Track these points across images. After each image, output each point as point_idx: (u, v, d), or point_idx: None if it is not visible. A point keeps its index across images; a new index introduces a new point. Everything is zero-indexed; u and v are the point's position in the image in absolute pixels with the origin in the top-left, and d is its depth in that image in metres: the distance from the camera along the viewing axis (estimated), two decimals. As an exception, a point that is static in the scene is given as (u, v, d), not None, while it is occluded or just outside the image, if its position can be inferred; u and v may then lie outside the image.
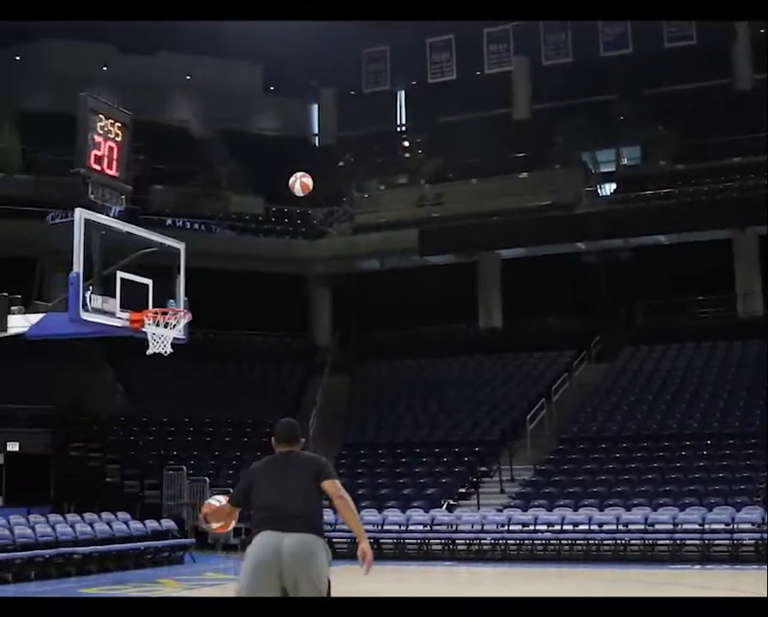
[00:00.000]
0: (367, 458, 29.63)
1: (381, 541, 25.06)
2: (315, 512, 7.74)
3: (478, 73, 44.14)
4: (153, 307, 11.26)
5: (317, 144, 49.21)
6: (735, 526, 22.69)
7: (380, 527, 25.34)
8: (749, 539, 22.50)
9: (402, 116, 49.50)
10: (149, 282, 11.29)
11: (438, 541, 24.94)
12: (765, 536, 22.24)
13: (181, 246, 11.84)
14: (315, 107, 49.45)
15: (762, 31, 41.54)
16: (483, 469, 28.23)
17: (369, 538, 23.46)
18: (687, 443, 26.95)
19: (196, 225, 38.79)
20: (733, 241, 35.77)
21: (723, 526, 22.85)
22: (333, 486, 7.72)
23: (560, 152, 41.67)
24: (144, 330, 11.11)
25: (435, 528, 25.08)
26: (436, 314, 37.12)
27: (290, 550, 7.48)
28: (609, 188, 40.68)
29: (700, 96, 41.08)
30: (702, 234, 35.09)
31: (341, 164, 45.94)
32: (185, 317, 11.45)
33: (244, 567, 7.52)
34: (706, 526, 22.87)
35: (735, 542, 22.58)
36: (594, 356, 34.34)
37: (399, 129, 49.41)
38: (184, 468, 28.33)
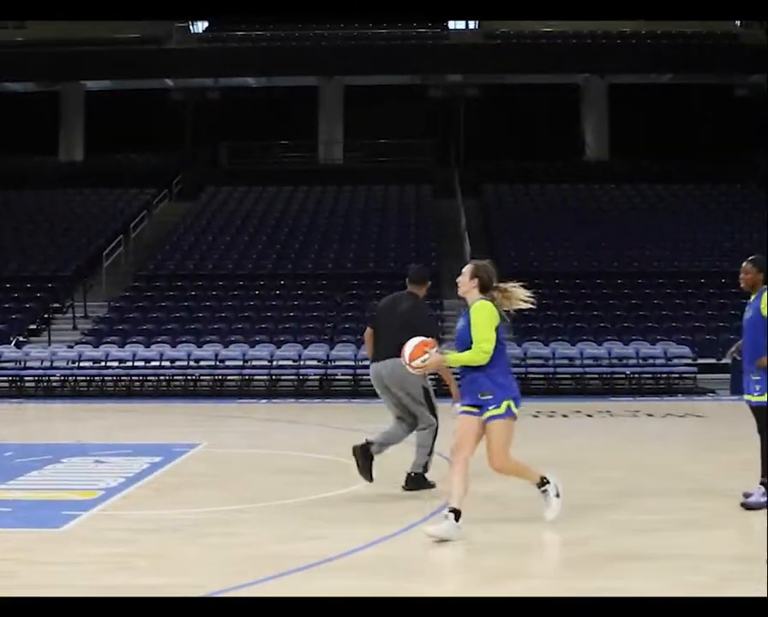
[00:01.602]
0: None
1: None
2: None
3: None
4: None
5: None
6: (302, 362, 23.44)
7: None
8: (314, 375, 23.38)
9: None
10: None
11: (5, 378, 24.03)
12: (328, 372, 23.25)
13: None
14: None
15: None
16: (56, 305, 27.42)
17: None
18: (262, 283, 27.47)
19: None
20: (319, 88, 36.40)
21: (290, 362, 23.55)
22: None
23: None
24: None
25: (1, 365, 24.12)
26: (15, 145, 35.26)
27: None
28: (201, 26, 40.00)
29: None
30: (289, 79, 35.47)
31: None
32: None
33: None
34: (275, 362, 23.47)
35: (301, 377, 23.35)
36: (175, 194, 34.09)
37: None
38: None
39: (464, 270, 7.86)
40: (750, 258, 8.56)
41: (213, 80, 35.73)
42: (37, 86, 36.21)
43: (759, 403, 8.34)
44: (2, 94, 35.81)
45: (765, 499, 8.33)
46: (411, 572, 6.65)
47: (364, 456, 9.39)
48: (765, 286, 8.44)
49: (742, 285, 8.52)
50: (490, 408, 7.63)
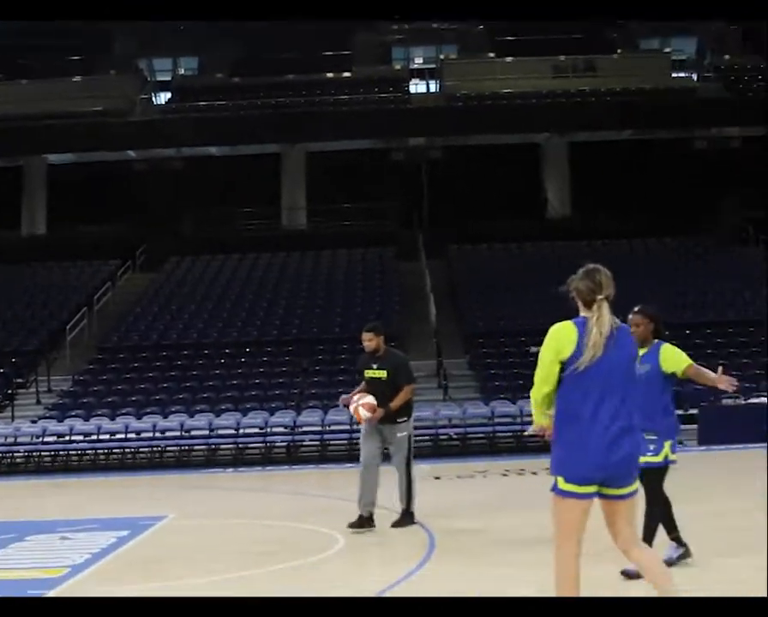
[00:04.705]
0: None
1: None
2: None
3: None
4: None
5: None
6: (269, 429, 23.24)
7: None
8: (281, 441, 23.20)
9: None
10: None
11: (-32, 455, 23.68)
12: (295, 438, 23.07)
13: None
14: None
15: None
16: (19, 380, 27.11)
17: None
18: (227, 351, 27.34)
19: None
20: (282, 156, 36.55)
21: (257, 430, 23.34)
22: None
23: (116, 58, 40.61)
24: None
25: (-36, 441, 23.77)
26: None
27: None
28: (164, 98, 40.26)
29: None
30: (253, 147, 35.58)
31: None
32: None
33: None
34: (241, 430, 23.26)
35: (268, 444, 23.15)
36: (139, 265, 34.00)
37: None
38: None
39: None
40: (638, 308, 8.09)
41: (175, 151, 35.76)
42: (0, 160, 36.09)
43: (650, 464, 7.71)
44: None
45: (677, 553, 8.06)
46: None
47: None
48: (658, 340, 8.05)
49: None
50: None
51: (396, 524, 11.17)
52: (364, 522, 10.92)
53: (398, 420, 11.10)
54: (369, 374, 11.19)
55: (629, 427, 5.59)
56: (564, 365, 5.57)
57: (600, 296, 5.64)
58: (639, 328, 7.90)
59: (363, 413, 10.83)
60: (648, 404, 7.59)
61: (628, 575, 7.82)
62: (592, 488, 5.51)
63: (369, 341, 11.21)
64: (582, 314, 5.69)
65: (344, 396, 11.59)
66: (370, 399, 10.83)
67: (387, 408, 10.89)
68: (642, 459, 7.69)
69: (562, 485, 5.49)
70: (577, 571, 5.55)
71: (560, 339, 5.60)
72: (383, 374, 11.12)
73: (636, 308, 8.08)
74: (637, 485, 5.69)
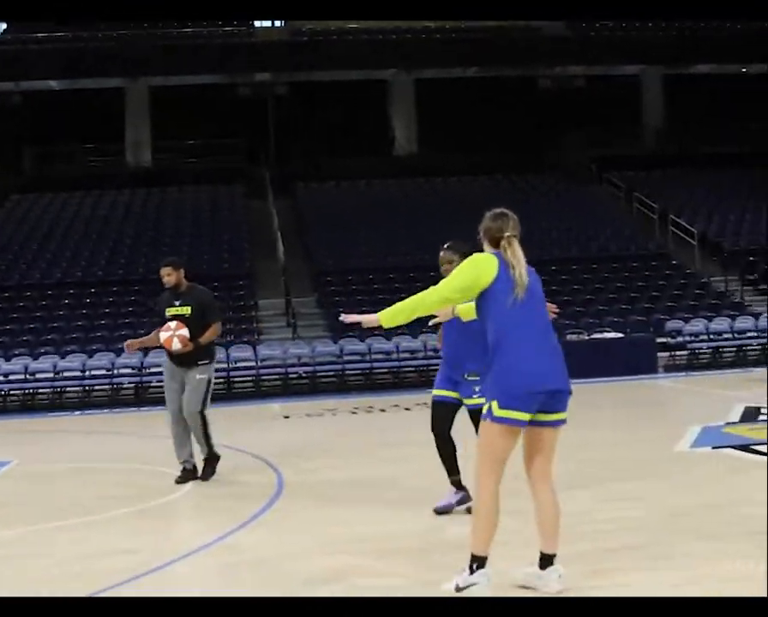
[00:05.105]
0: None
1: None
2: None
3: None
4: None
5: None
6: (116, 371, 22.89)
7: None
8: (129, 383, 22.90)
9: None
10: None
11: None
12: (143, 379, 22.78)
13: None
14: None
15: None
16: None
17: None
18: (72, 291, 26.73)
19: None
20: (125, 90, 35.70)
21: (104, 372, 22.96)
22: None
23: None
24: None
25: None
26: None
27: None
28: (1, 27, 38.76)
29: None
30: (94, 81, 34.60)
31: None
32: None
33: None
34: (87, 372, 22.85)
35: (116, 386, 22.82)
36: (-23, 204, 32.90)
37: None
38: None
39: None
40: (448, 244, 7.89)
41: (13, 84, 34.50)
42: None
43: (478, 405, 7.22)
44: None
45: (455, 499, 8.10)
46: (233, 580, 6.55)
47: None
48: None
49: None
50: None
51: (203, 477, 10.50)
52: (189, 475, 10.40)
53: (198, 362, 10.34)
54: (171, 311, 10.36)
55: (559, 351, 5.74)
56: (484, 292, 5.65)
57: (508, 234, 5.75)
58: (453, 265, 7.43)
59: (176, 344, 10.13)
60: (471, 345, 7.53)
61: (438, 511, 8.01)
62: (527, 416, 5.53)
63: (169, 276, 10.44)
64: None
65: (129, 340, 10.73)
66: (187, 332, 10.13)
67: (195, 342, 10.21)
68: (468, 401, 7.89)
69: (497, 411, 5.51)
70: (498, 502, 5.61)
71: (480, 268, 5.71)
72: (187, 310, 10.35)
73: (446, 245, 7.90)
74: (566, 415, 5.71)
